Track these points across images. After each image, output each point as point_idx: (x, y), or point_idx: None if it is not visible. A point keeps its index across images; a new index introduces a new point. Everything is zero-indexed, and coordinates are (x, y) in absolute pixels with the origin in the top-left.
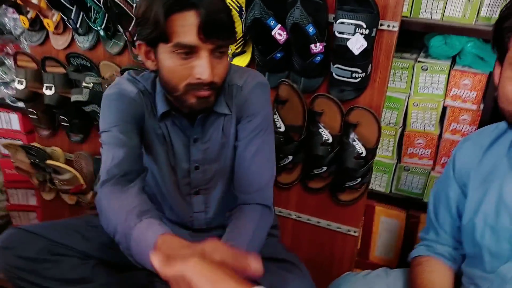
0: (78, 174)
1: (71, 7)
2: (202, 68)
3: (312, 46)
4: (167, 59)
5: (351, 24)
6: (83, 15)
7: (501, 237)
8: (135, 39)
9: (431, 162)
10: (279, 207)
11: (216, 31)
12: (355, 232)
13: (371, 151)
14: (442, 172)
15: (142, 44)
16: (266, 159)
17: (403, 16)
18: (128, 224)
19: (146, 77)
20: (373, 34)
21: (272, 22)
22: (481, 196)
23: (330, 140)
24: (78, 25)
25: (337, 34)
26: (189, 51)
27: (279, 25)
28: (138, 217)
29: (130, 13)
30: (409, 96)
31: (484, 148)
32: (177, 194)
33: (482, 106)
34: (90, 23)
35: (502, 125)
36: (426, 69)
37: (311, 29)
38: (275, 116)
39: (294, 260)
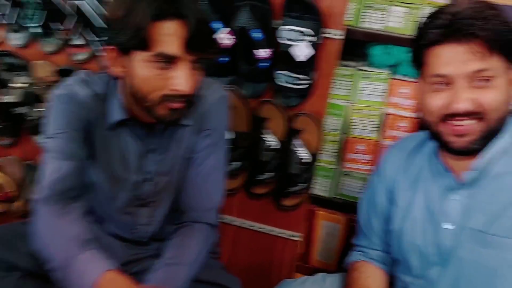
0: (6, 180)
1: (5, 1)
2: (181, 79)
3: (259, 51)
4: (143, 68)
5: (298, 31)
6: (18, 11)
7: (428, 242)
8: (104, 43)
9: (370, 168)
10: (222, 214)
11: (201, 44)
12: (297, 237)
13: (314, 157)
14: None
15: (113, 49)
16: (221, 177)
17: (347, 25)
18: (69, 253)
19: (102, 79)
20: (319, 41)
21: (217, 25)
22: (408, 202)
23: (276, 146)
24: (11, 21)
25: (283, 41)
26: (168, 61)
27: (227, 29)
28: (80, 247)
29: (63, 10)
30: (351, 103)
31: (408, 155)
32: (121, 206)
33: (419, 114)
34: (23, 20)
35: (425, 133)
36: (367, 77)
37: (258, 34)
38: None
39: (234, 285)
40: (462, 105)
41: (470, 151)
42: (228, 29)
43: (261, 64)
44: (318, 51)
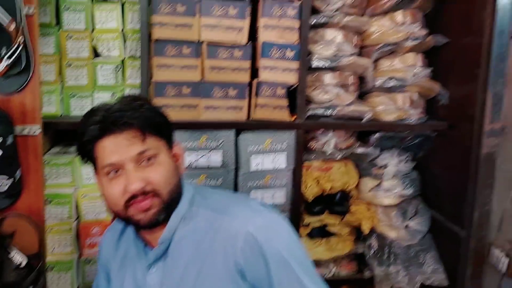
0: None
1: None
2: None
3: None
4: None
5: None
6: None
7: None
8: None
9: None
10: None
11: None
12: None
13: (34, 257)
14: None
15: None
16: None
17: (50, 117)
18: None
19: None
20: (10, 141)
21: None
22: (120, 283)
23: None
24: None
25: None
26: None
27: None
28: None
29: None
30: (76, 189)
31: (117, 236)
32: None
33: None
34: None
35: None
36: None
37: None
38: None
39: None
40: (135, 185)
41: (158, 223)
42: None
43: None
44: (15, 150)
